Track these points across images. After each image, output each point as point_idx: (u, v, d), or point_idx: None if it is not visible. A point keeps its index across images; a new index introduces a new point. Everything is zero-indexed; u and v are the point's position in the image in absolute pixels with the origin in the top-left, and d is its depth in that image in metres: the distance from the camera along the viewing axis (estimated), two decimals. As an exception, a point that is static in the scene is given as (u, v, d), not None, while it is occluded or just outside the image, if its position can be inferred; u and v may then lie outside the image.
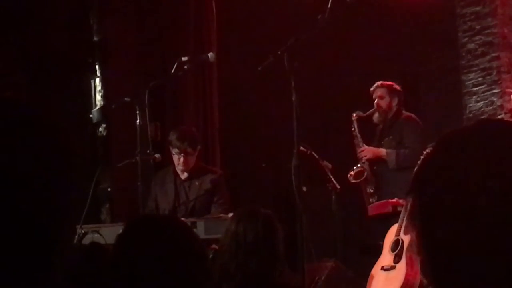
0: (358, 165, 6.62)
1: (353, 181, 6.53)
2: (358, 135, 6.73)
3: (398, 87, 6.68)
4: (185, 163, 6.01)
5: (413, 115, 6.68)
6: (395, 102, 6.65)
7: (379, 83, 6.70)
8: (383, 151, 6.60)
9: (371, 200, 6.57)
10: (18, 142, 1.18)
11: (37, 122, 1.22)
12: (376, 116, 6.72)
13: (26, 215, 1.16)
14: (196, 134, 6.25)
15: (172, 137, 6.03)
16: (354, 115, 6.79)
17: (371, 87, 6.71)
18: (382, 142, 6.69)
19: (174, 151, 6.01)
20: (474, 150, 1.18)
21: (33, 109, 1.23)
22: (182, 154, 5.97)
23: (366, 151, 6.65)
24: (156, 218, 2.56)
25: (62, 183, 1.21)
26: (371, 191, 6.58)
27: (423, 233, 1.19)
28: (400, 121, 6.64)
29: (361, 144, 6.71)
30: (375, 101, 6.66)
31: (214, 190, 6.06)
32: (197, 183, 6.07)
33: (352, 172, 6.58)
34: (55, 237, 1.20)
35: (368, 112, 6.74)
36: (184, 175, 6.12)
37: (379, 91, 6.67)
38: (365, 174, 6.57)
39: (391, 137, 6.64)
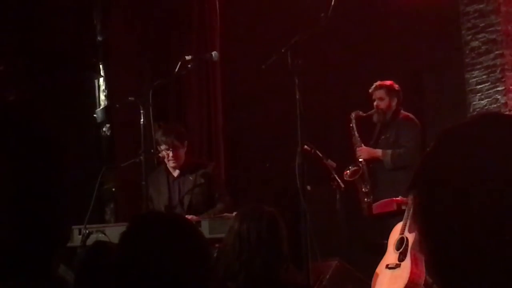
0: (354, 164, 6.61)
1: (349, 179, 6.50)
2: (356, 134, 6.70)
3: (397, 87, 6.62)
4: (175, 157, 5.97)
5: (411, 115, 6.63)
6: (394, 102, 6.60)
7: (377, 83, 6.64)
8: (378, 151, 6.57)
9: (366, 199, 6.56)
10: (11, 144, 1.19)
11: (33, 124, 1.23)
12: (375, 117, 6.69)
13: (25, 213, 1.16)
14: (182, 129, 6.22)
15: (158, 134, 6.00)
16: (353, 114, 6.76)
17: (371, 87, 6.67)
18: (379, 141, 6.67)
19: (163, 147, 5.98)
20: (475, 145, 1.16)
21: (30, 112, 1.24)
22: (170, 149, 5.95)
23: (362, 151, 6.62)
24: (160, 215, 2.55)
25: (57, 180, 1.21)
26: (366, 190, 6.56)
27: (425, 231, 1.18)
28: (398, 120, 6.61)
29: (359, 143, 6.68)
30: (375, 103, 6.62)
31: (210, 183, 6.04)
32: (191, 178, 6.04)
33: (347, 171, 6.56)
34: (54, 234, 1.20)
35: (368, 113, 6.71)
36: (176, 172, 6.10)
37: (378, 93, 6.61)
38: (360, 173, 6.56)
39: (388, 135, 6.61)
